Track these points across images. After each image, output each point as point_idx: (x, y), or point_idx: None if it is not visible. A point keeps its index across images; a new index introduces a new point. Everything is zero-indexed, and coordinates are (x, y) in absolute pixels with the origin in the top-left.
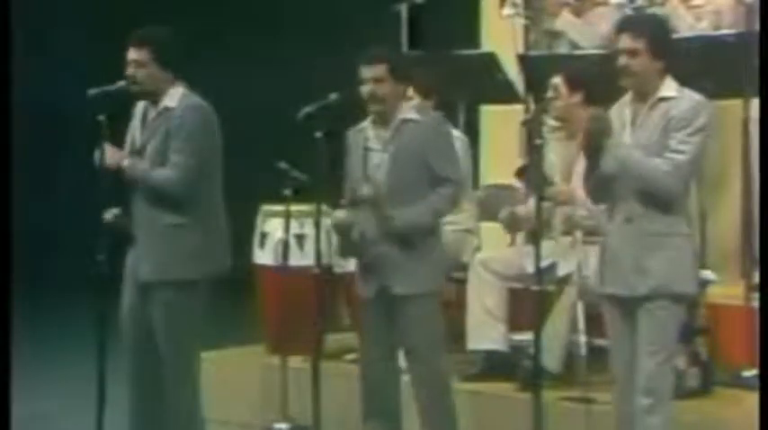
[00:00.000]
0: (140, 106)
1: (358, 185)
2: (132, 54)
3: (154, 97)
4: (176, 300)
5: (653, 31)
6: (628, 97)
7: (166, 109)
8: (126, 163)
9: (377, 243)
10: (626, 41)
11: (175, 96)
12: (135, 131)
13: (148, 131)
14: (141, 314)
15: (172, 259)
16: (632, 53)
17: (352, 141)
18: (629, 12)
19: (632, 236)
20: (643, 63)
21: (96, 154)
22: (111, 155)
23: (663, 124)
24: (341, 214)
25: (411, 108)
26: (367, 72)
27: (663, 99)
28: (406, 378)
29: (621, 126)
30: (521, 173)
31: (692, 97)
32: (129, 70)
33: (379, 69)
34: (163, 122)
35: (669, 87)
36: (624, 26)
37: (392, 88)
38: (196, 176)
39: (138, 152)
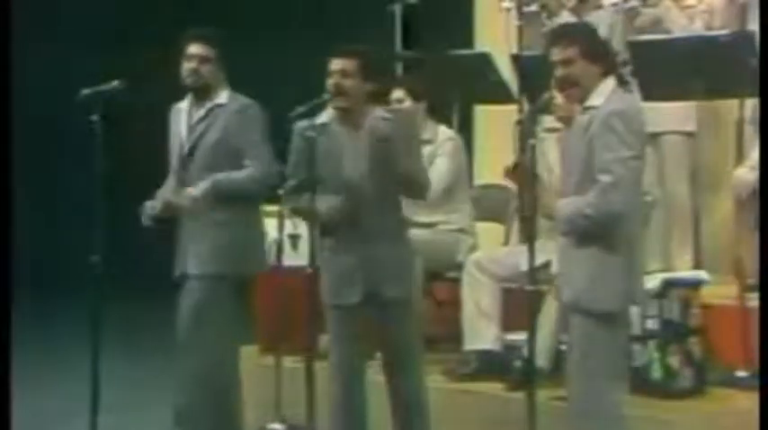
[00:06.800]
0: (180, 110)
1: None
2: (196, 49)
3: (205, 95)
4: (215, 295)
5: (583, 37)
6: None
7: (218, 106)
8: (195, 194)
9: (363, 246)
10: (559, 53)
11: (224, 95)
12: (181, 135)
13: (198, 130)
14: (184, 307)
15: (215, 254)
16: (568, 62)
17: (320, 137)
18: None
19: (567, 246)
20: (581, 69)
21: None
22: (174, 199)
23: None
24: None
25: (381, 110)
26: (336, 64)
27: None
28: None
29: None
30: (511, 171)
31: (621, 100)
32: (192, 64)
33: (347, 63)
34: (215, 119)
35: (599, 94)
36: (553, 39)
37: (358, 84)
38: (275, 168)
39: (188, 154)
